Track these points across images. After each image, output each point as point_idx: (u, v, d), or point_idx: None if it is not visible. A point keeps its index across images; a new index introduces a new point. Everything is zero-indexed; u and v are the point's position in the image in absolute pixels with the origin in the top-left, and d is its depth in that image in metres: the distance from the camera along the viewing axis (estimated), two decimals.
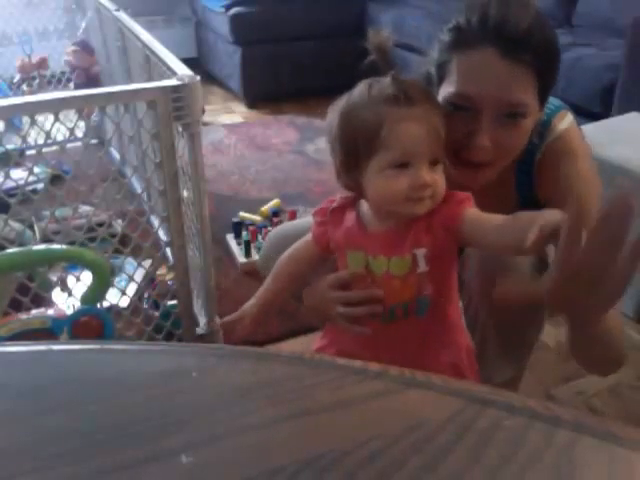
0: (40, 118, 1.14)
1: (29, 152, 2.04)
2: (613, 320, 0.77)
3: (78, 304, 1.20)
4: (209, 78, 3.54)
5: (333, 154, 0.86)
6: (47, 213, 1.34)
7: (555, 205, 0.95)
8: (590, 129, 1.66)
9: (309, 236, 0.93)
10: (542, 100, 0.88)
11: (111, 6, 1.99)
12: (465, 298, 1.02)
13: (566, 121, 0.95)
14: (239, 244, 1.91)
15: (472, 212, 0.80)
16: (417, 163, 0.78)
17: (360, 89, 0.83)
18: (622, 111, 1.83)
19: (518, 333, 1.02)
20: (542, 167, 0.95)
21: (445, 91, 0.87)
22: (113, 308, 1.30)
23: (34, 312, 1.17)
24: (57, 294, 1.31)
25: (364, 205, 0.87)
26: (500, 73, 0.82)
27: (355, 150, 0.81)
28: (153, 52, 1.39)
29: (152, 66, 1.42)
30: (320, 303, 0.92)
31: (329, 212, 0.90)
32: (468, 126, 0.86)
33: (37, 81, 2.72)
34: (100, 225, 1.32)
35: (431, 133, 0.79)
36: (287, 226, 1.21)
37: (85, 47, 2.56)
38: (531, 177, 0.97)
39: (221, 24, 3.25)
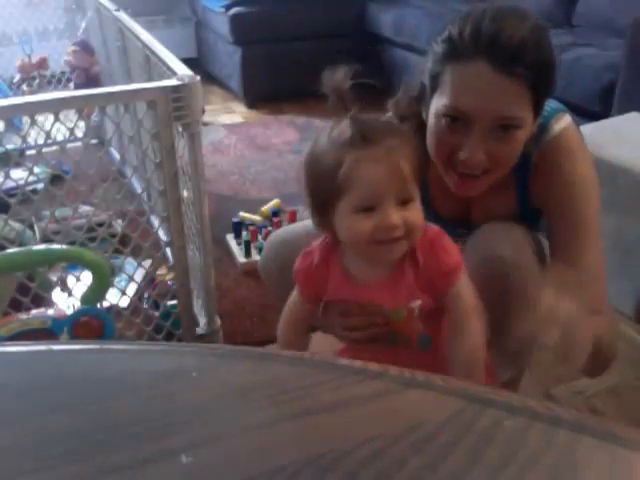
0: (40, 118, 1.14)
1: (29, 152, 2.04)
2: (601, 327, 0.83)
3: (78, 304, 1.20)
4: (209, 78, 3.54)
5: (305, 199, 0.82)
6: (47, 213, 1.34)
7: (550, 210, 0.96)
8: (590, 129, 1.66)
9: (297, 296, 0.89)
10: (536, 111, 0.87)
11: (111, 6, 1.99)
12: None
13: (563, 122, 0.94)
14: (239, 244, 1.91)
15: (458, 287, 0.80)
16: (381, 205, 0.74)
17: (322, 134, 0.79)
18: (622, 111, 1.83)
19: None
20: (539, 167, 0.95)
21: (438, 103, 0.87)
22: (113, 308, 1.30)
23: (34, 312, 1.17)
24: (57, 294, 1.31)
25: (347, 253, 0.84)
26: (492, 86, 0.82)
27: (322, 196, 0.78)
28: (153, 52, 1.39)
29: (152, 66, 1.42)
30: (326, 322, 0.91)
31: (313, 268, 0.85)
32: (461, 138, 0.85)
33: (37, 81, 2.72)
34: (100, 225, 1.32)
35: (393, 172, 0.74)
36: (287, 229, 1.20)
37: (85, 47, 2.56)
38: (528, 177, 0.97)
39: (221, 24, 3.25)
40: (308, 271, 0.86)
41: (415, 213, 0.77)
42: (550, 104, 0.95)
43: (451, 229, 0.86)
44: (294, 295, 0.90)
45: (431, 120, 0.90)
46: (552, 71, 0.86)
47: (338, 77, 0.79)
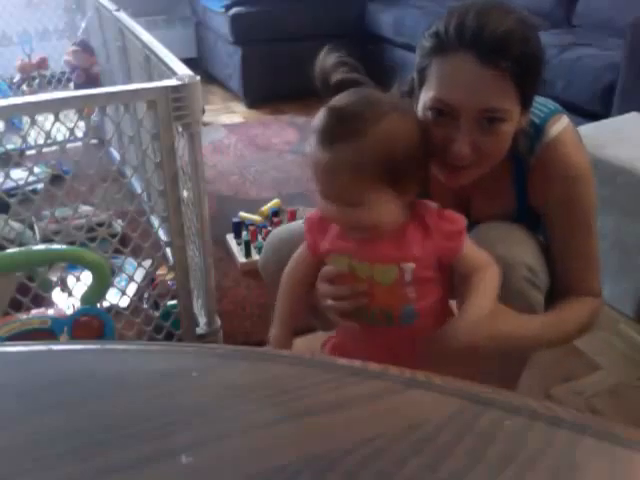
0: (40, 118, 1.14)
1: (29, 152, 2.04)
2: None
3: (78, 304, 1.20)
4: (209, 78, 3.54)
5: None
6: (47, 213, 1.34)
7: (550, 206, 0.97)
8: (590, 129, 1.66)
9: (303, 247, 0.94)
10: (525, 105, 0.88)
11: (111, 6, 1.99)
12: (461, 301, 1.02)
13: (560, 124, 0.94)
14: (239, 244, 1.91)
15: (467, 247, 0.85)
16: (332, 203, 0.81)
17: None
18: (622, 111, 1.83)
19: None
20: (536, 168, 0.96)
21: (425, 96, 0.88)
22: (113, 308, 1.30)
23: (34, 312, 1.17)
24: (57, 294, 1.31)
25: None
26: (476, 78, 0.83)
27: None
28: (153, 52, 1.39)
29: (152, 66, 1.42)
30: (314, 295, 0.92)
31: (317, 220, 0.90)
32: (448, 131, 0.86)
33: (37, 81, 2.72)
34: (100, 225, 1.32)
35: (344, 177, 0.78)
36: (286, 228, 1.21)
37: (85, 47, 2.56)
38: (526, 179, 0.97)
39: (221, 24, 3.25)
40: (314, 219, 0.92)
41: (365, 214, 0.81)
42: (547, 105, 0.95)
43: None
44: (301, 247, 0.95)
45: (419, 114, 0.91)
46: (538, 64, 0.86)
47: (328, 60, 0.83)
